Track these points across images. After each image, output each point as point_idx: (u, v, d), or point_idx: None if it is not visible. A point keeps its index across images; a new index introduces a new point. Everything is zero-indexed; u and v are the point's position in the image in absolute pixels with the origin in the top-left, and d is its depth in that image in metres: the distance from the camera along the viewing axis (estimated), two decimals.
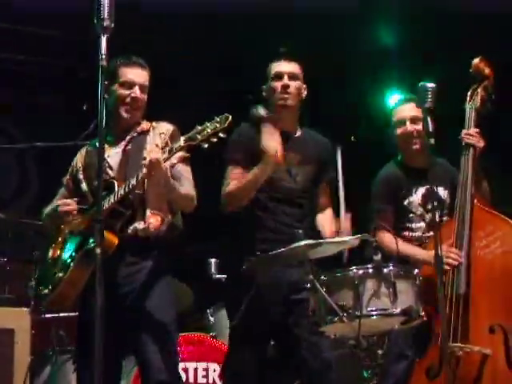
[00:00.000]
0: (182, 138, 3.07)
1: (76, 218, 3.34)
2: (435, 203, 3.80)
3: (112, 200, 3.21)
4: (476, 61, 3.84)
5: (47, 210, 3.55)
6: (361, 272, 3.09)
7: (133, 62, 3.46)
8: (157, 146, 3.31)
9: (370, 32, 6.46)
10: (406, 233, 3.88)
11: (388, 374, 3.69)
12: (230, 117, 3.03)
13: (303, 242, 3.13)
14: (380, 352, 3.15)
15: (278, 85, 3.70)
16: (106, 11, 2.71)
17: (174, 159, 3.10)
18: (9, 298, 4.87)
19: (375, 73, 6.73)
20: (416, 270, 3.18)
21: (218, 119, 3.03)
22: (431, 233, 3.81)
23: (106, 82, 3.37)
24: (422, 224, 3.89)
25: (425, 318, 3.14)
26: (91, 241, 3.12)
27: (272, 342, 3.95)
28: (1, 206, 6.40)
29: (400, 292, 3.04)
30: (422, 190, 3.92)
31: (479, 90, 3.79)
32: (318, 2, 5.83)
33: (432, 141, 3.21)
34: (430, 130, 3.22)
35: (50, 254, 3.48)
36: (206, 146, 3.03)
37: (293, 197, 3.67)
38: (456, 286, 3.44)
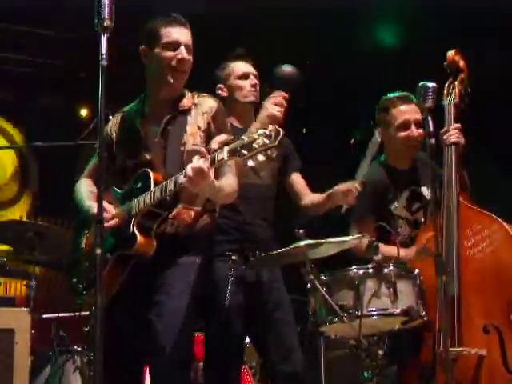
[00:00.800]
0: (226, 150, 2.71)
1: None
2: (420, 204, 3.82)
3: (148, 202, 2.98)
4: (451, 53, 3.74)
5: (81, 195, 3.28)
6: (361, 272, 3.09)
7: (175, 20, 3.17)
8: (198, 128, 3.14)
9: (370, 32, 6.47)
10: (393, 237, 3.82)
11: (383, 376, 3.68)
12: (282, 132, 2.65)
13: (303, 242, 3.13)
14: (380, 352, 3.13)
15: (245, 84, 3.73)
16: (107, 11, 2.72)
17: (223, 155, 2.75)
18: (9, 298, 4.88)
19: (375, 73, 6.73)
20: (416, 270, 3.18)
21: (268, 132, 2.65)
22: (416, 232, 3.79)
23: (143, 47, 3.20)
24: (407, 226, 3.85)
25: (426, 318, 3.13)
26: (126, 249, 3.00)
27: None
28: (1, 206, 6.42)
29: (400, 292, 3.04)
30: (406, 194, 3.86)
31: (456, 84, 3.70)
32: (318, 1, 5.84)
33: (433, 141, 3.19)
34: (431, 130, 3.20)
35: (83, 243, 3.27)
36: (251, 164, 2.67)
37: (259, 193, 3.68)
38: (449, 288, 3.36)
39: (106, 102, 2.67)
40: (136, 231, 3.00)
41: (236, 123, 3.73)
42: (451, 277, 3.41)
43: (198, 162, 2.76)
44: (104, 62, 2.69)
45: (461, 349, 3.29)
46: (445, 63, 3.76)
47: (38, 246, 4.81)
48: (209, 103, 3.23)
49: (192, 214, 3.12)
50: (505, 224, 3.45)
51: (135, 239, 2.98)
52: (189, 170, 2.77)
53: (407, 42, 6.53)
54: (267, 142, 2.62)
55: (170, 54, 3.14)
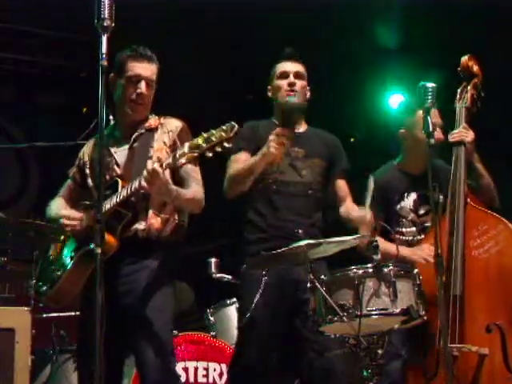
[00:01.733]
0: (187, 145, 2.99)
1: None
2: (428, 208, 3.83)
3: (114, 201, 3.18)
4: (464, 59, 3.82)
5: (51, 210, 3.52)
6: (361, 271, 3.09)
7: (140, 55, 3.38)
8: (164, 143, 3.34)
9: (370, 32, 6.46)
10: (397, 236, 3.84)
11: (383, 374, 3.69)
12: (237, 126, 2.96)
13: (303, 242, 3.14)
14: (380, 352, 3.14)
15: (283, 83, 3.77)
16: (107, 11, 2.73)
17: (182, 160, 3.03)
18: (9, 298, 4.88)
19: (375, 73, 6.73)
20: (416, 270, 3.18)
21: (225, 127, 2.95)
22: (422, 236, 3.82)
23: (112, 75, 3.38)
24: (413, 228, 3.88)
25: (425, 318, 3.13)
26: (91, 244, 3.11)
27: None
28: (1, 206, 6.41)
29: (400, 292, 3.04)
30: (413, 196, 3.90)
31: (469, 89, 3.79)
32: (318, 1, 5.84)
33: (432, 141, 3.20)
34: (431, 130, 3.21)
35: (52, 250, 3.47)
36: (210, 154, 2.97)
37: (299, 191, 3.70)
38: (452, 287, 3.43)
39: (106, 102, 2.68)
40: None
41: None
42: (456, 276, 3.43)
43: (152, 164, 3.03)
44: (104, 62, 2.70)
45: (461, 345, 3.31)
46: (458, 68, 3.83)
47: (38, 246, 4.81)
48: (174, 123, 3.45)
49: (159, 220, 3.30)
50: (510, 225, 3.49)
51: None
52: (144, 171, 3.03)
53: (408, 42, 6.52)
54: (224, 135, 2.92)
55: (130, 88, 3.36)
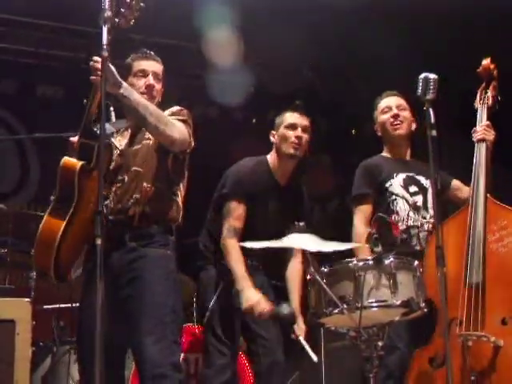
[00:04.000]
0: None
1: None
2: (417, 189, 3.99)
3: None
4: (486, 62, 4.01)
5: None
6: (361, 263, 3.08)
7: (146, 55, 3.53)
8: None
9: (370, 32, 6.45)
10: (392, 216, 3.89)
11: (381, 366, 3.71)
12: None
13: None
14: (380, 344, 3.14)
15: (291, 134, 3.87)
16: (107, 2, 2.72)
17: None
18: (9, 289, 4.88)
19: (375, 73, 6.72)
20: (416, 262, 3.18)
21: None
22: (416, 215, 3.94)
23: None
24: (407, 206, 3.96)
25: (425, 310, 3.13)
26: None
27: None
28: (2, 198, 6.42)
29: (400, 283, 3.03)
30: (402, 175, 4.03)
31: (489, 90, 3.97)
32: (319, 2, 5.83)
33: (434, 132, 3.18)
34: (432, 121, 3.19)
35: None
36: None
37: None
38: (469, 275, 3.50)
39: (107, 93, 2.68)
40: None
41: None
42: (476, 267, 3.51)
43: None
44: (105, 53, 2.69)
45: (480, 334, 3.36)
46: (478, 69, 4.03)
47: None
48: (176, 107, 3.49)
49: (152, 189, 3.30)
50: None
51: None
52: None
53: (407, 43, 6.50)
54: None
55: (138, 81, 3.44)
